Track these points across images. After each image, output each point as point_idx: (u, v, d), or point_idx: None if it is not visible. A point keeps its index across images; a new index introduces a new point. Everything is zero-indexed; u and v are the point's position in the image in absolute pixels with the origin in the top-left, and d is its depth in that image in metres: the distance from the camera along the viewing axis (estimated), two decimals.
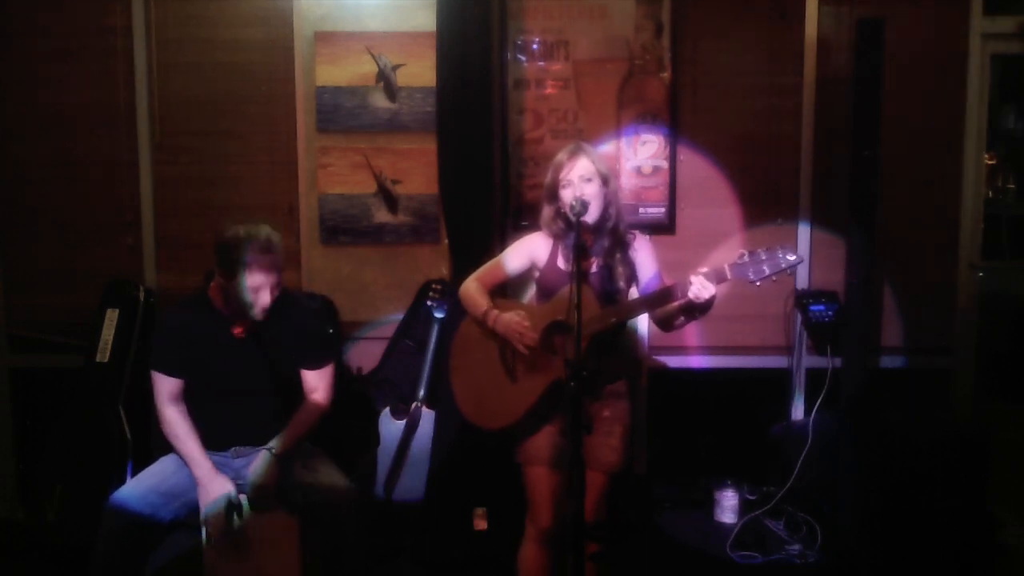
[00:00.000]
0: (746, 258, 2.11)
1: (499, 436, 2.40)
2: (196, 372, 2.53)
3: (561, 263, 2.37)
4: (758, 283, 2.11)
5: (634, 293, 2.42)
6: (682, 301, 2.17)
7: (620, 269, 2.33)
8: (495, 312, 2.37)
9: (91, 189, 3.53)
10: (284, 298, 2.57)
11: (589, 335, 2.12)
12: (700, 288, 2.11)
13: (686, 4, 3.48)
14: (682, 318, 2.28)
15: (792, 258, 2.09)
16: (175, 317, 2.59)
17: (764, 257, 2.10)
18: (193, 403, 2.55)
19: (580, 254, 2.15)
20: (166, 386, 2.52)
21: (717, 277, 2.12)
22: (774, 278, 2.10)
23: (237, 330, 2.52)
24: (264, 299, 2.45)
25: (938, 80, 3.54)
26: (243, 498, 2.48)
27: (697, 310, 2.19)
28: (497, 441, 2.41)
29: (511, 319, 2.31)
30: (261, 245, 2.42)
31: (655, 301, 2.27)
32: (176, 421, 2.50)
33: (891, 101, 3.25)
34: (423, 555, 3.07)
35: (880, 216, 3.21)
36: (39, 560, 3.12)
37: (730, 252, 3.47)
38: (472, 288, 2.45)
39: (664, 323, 2.36)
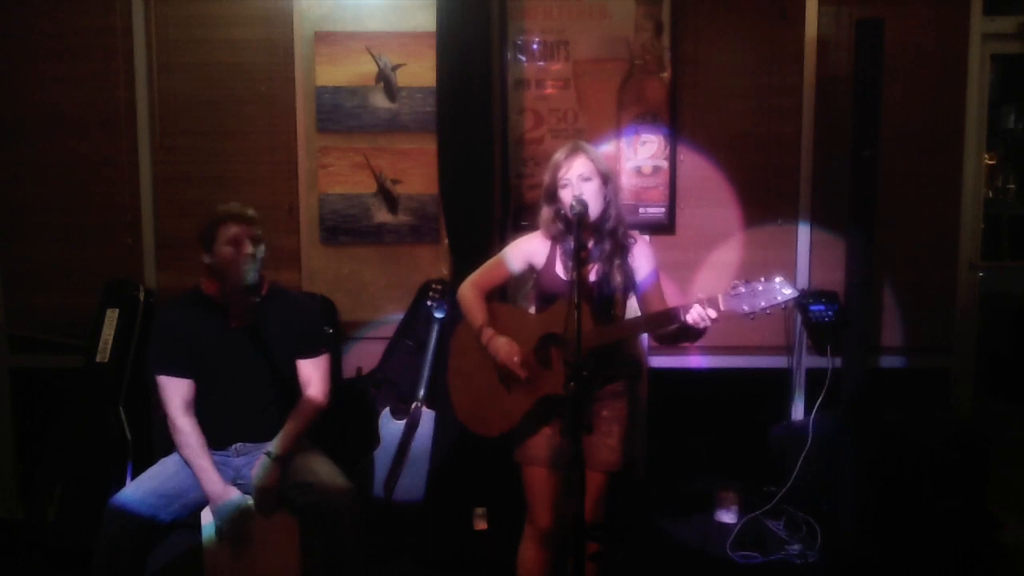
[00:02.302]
0: (741, 289, 2.07)
1: (493, 440, 2.41)
2: (198, 370, 2.54)
3: (559, 269, 2.34)
4: (752, 317, 2.07)
5: (631, 303, 2.41)
6: (677, 325, 2.15)
7: (618, 278, 2.30)
8: (489, 332, 2.34)
9: (91, 189, 3.53)
10: (276, 292, 2.59)
11: (585, 351, 2.08)
12: (698, 318, 2.08)
13: (686, 4, 3.48)
14: (676, 338, 2.24)
15: (789, 292, 2.04)
16: (169, 317, 2.59)
17: (760, 289, 2.05)
18: (194, 402, 2.55)
19: (580, 254, 2.15)
20: (177, 391, 2.50)
21: (711, 306, 2.08)
22: (768, 311, 2.06)
23: (235, 315, 2.54)
24: (246, 248, 2.47)
25: (938, 80, 3.53)
26: (248, 498, 2.50)
27: (691, 336, 2.17)
28: (496, 441, 2.41)
29: (504, 349, 2.29)
30: (228, 208, 2.51)
31: (652, 324, 2.25)
32: (189, 432, 2.49)
33: (891, 101, 3.25)
34: (423, 555, 3.07)
35: (880, 216, 3.21)
36: (39, 560, 3.12)
37: (730, 252, 3.54)
38: (469, 295, 2.42)
39: (659, 339, 2.36)
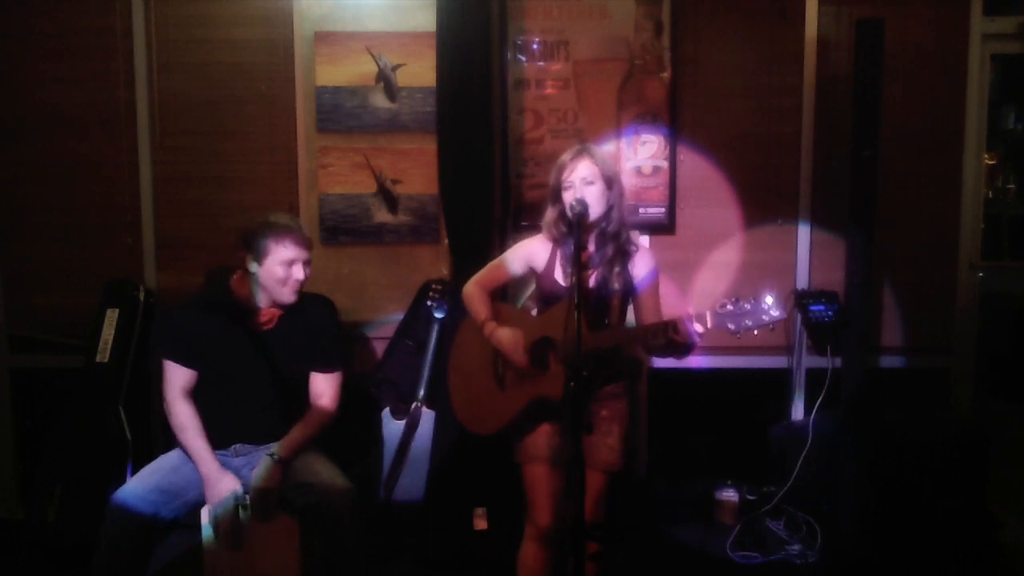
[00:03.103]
0: (729, 307, 2.08)
1: (490, 438, 2.41)
2: (205, 366, 2.54)
3: (558, 274, 2.35)
4: (738, 335, 2.09)
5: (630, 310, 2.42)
6: (665, 340, 2.14)
7: (616, 285, 2.30)
8: (492, 324, 2.37)
9: (91, 189, 3.53)
10: (299, 298, 2.58)
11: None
12: (686, 333, 2.09)
13: (686, 4, 3.48)
14: (664, 351, 2.25)
15: (776, 314, 2.05)
16: (189, 309, 2.60)
17: (748, 308, 2.06)
18: (197, 398, 2.56)
19: (580, 254, 2.15)
20: (179, 377, 2.53)
21: (699, 322, 2.09)
22: (755, 332, 2.08)
23: (264, 318, 2.55)
24: (298, 274, 2.48)
25: (938, 80, 3.53)
26: (247, 497, 2.49)
27: (679, 351, 2.18)
28: (496, 441, 2.42)
29: (508, 338, 2.31)
30: (289, 224, 2.50)
31: (641, 337, 2.25)
32: (186, 415, 2.51)
33: (891, 101, 3.25)
34: (423, 555, 3.07)
35: (880, 216, 3.21)
36: (39, 560, 3.12)
37: (730, 252, 3.54)
38: (473, 292, 2.46)
39: (648, 351, 2.36)
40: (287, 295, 2.51)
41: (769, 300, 2.05)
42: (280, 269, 2.47)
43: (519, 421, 2.34)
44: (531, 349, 2.31)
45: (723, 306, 2.09)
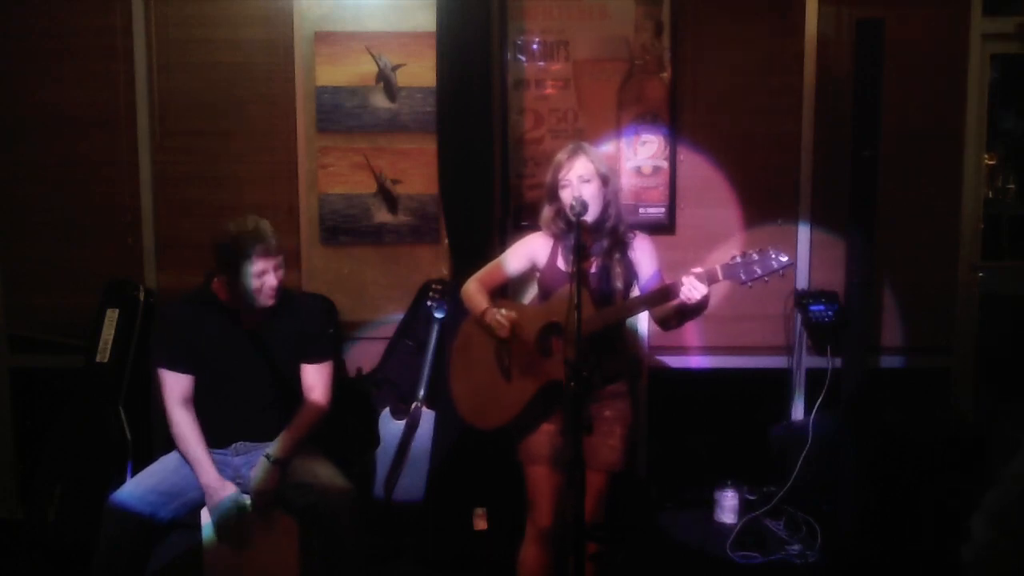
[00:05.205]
0: (738, 259, 2.13)
1: (495, 435, 2.41)
2: (200, 368, 2.54)
3: (561, 263, 2.37)
4: (749, 284, 2.12)
5: (634, 293, 2.42)
6: (675, 302, 2.19)
7: (618, 270, 2.32)
8: (492, 311, 2.36)
9: (91, 189, 3.53)
10: (284, 296, 2.58)
11: (587, 333, 2.12)
12: (690, 289, 2.12)
13: (686, 4, 3.48)
14: (678, 317, 2.29)
15: (784, 259, 2.10)
16: (177, 313, 2.59)
17: (756, 258, 2.12)
18: (195, 400, 2.55)
19: (580, 254, 2.15)
20: (175, 385, 2.51)
21: (708, 278, 2.13)
22: (766, 279, 2.12)
23: (244, 320, 2.54)
24: (271, 281, 2.47)
25: (938, 80, 3.53)
26: (246, 497, 2.49)
27: (690, 311, 2.21)
28: (496, 441, 2.41)
29: (492, 312, 2.32)
30: (257, 236, 2.45)
31: (649, 302, 2.29)
32: (185, 423, 2.49)
33: (891, 101, 3.25)
34: (423, 555, 3.07)
35: (880, 216, 3.21)
36: (39, 560, 3.12)
37: (730, 252, 3.52)
38: (472, 288, 2.46)
39: (662, 323, 2.38)
40: (263, 301, 2.49)
41: (773, 249, 2.11)
42: (253, 281, 2.45)
43: (529, 411, 2.34)
44: (537, 337, 2.31)
45: (732, 259, 2.14)
